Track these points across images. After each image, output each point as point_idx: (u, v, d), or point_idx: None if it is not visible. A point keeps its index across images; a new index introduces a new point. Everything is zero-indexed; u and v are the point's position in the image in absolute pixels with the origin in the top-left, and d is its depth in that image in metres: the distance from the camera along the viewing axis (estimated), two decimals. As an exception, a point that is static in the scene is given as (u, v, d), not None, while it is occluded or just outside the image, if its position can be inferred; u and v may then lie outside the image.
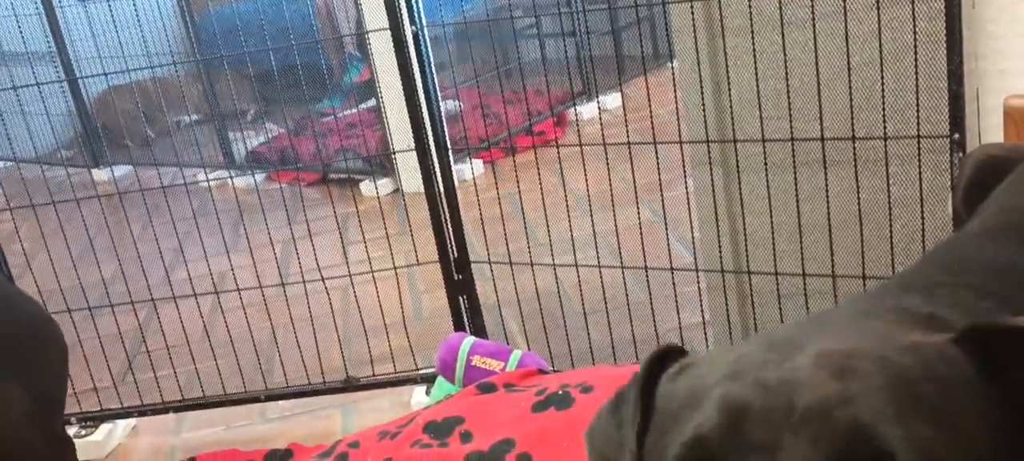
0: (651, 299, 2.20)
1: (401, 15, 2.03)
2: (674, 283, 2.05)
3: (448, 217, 2.18)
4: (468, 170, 3.60)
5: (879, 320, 0.71)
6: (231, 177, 3.85)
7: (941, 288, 0.79)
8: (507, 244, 2.29)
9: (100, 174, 4.52)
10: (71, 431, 2.25)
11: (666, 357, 0.75)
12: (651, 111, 1.95)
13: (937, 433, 0.56)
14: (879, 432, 0.55)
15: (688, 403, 0.65)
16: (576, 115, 3.48)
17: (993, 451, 0.59)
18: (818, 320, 0.75)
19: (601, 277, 2.16)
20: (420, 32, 2.08)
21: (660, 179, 1.99)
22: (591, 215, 2.17)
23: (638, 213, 2.08)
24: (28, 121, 3.22)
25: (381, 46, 3.20)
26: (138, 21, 2.82)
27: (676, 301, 2.09)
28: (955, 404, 0.60)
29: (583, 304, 2.19)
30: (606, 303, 2.14)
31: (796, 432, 0.57)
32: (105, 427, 2.31)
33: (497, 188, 2.44)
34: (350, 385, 2.27)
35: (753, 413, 0.60)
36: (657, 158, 1.93)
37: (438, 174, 2.15)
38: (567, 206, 2.24)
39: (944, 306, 0.76)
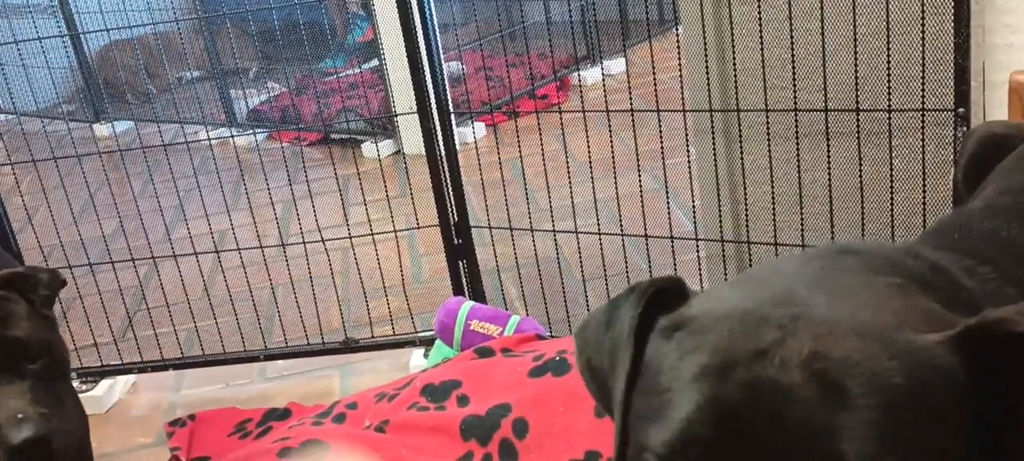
0: (650, 267, 2.19)
1: (404, -24, 2.02)
2: (674, 251, 2.04)
3: (449, 181, 2.17)
4: (470, 133, 3.58)
5: (890, 284, 0.68)
6: (232, 135, 3.84)
7: (961, 258, 0.78)
8: (507, 209, 2.29)
9: (101, 129, 4.51)
10: (71, 386, 2.26)
11: (661, 294, 0.72)
12: (655, 78, 1.94)
13: None
14: None
15: (674, 383, 0.64)
16: (579, 80, 3.45)
17: None
18: (827, 268, 0.71)
19: (600, 244, 2.16)
20: (423, -7, 2.07)
21: (662, 146, 1.98)
22: (592, 181, 2.16)
23: (639, 180, 2.07)
24: (30, 75, 3.20)
25: (385, 6, 3.18)
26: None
27: (675, 269, 2.09)
28: (939, 424, 0.59)
29: (582, 271, 2.19)
30: (605, 270, 2.14)
31: (776, 455, 0.58)
32: (105, 383, 2.32)
33: (498, 152, 2.43)
34: (349, 346, 2.28)
35: (740, 424, 0.59)
36: (660, 126, 1.92)
37: (440, 137, 2.14)
38: (568, 172, 2.24)
39: (965, 275, 0.75)
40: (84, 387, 2.31)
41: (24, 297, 1.44)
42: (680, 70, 1.92)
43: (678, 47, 1.91)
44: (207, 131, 3.19)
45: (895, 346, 0.61)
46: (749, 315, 0.64)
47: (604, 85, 2.04)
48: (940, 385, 0.60)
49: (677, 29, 1.96)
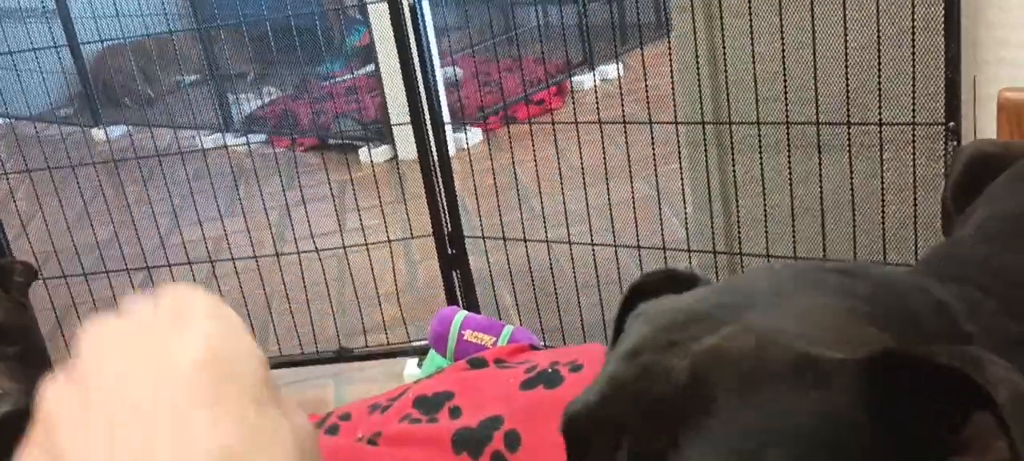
0: (644, 276, 2.19)
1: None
2: (666, 261, 2.05)
3: (442, 191, 2.18)
4: (465, 139, 3.59)
5: (848, 303, 0.66)
6: (226, 145, 3.83)
7: (953, 284, 0.76)
8: (501, 217, 2.29)
9: (98, 134, 4.51)
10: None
11: (651, 285, 0.75)
12: (647, 88, 1.94)
13: None
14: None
15: (606, 365, 0.67)
16: (571, 86, 3.46)
17: None
18: (795, 282, 0.70)
19: (593, 253, 2.16)
20: (417, 2, 2.07)
21: (654, 154, 1.99)
22: (585, 189, 2.17)
23: (632, 189, 2.07)
24: (25, 80, 3.20)
25: (380, 11, 3.18)
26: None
27: (668, 279, 2.09)
28: (781, 443, 0.57)
29: (576, 279, 2.20)
30: (598, 279, 2.14)
31: (633, 429, 0.59)
32: (99, 392, 2.32)
33: (492, 158, 2.43)
34: (343, 355, 2.28)
35: (622, 396, 0.61)
36: (652, 136, 1.93)
37: (433, 148, 2.15)
38: (561, 179, 2.24)
39: (955, 298, 0.73)
40: (78, 396, 2.31)
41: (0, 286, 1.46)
42: (672, 79, 1.92)
43: (671, 53, 1.91)
44: (200, 137, 3.20)
45: (789, 351, 0.59)
46: (690, 311, 0.66)
47: (597, 92, 2.05)
48: (816, 406, 0.57)
49: (671, 35, 1.96)
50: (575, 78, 3.98)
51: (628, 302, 0.75)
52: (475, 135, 3.67)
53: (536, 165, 2.13)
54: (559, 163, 2.30)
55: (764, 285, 0.70)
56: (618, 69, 3.79)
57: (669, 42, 1.97)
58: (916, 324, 0.67)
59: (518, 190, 2.55)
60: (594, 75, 3.95)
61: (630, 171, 2.06)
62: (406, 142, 3.50)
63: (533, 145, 2.14)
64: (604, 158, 2.05)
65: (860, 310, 0.65)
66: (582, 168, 2.12)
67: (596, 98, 2.07)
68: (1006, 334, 0.73)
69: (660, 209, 2.22)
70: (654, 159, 1.98)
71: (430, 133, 2.13)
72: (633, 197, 2.06)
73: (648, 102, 1.92)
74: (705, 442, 0.56)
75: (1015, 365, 0.59)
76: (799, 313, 0.64)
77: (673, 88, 1.91)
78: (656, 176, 2.02)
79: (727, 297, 0.67)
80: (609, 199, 2.10)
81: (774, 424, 0.57)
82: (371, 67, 4.33)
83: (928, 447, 0.59)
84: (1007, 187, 1.07)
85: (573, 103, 2.11)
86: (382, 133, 3.77)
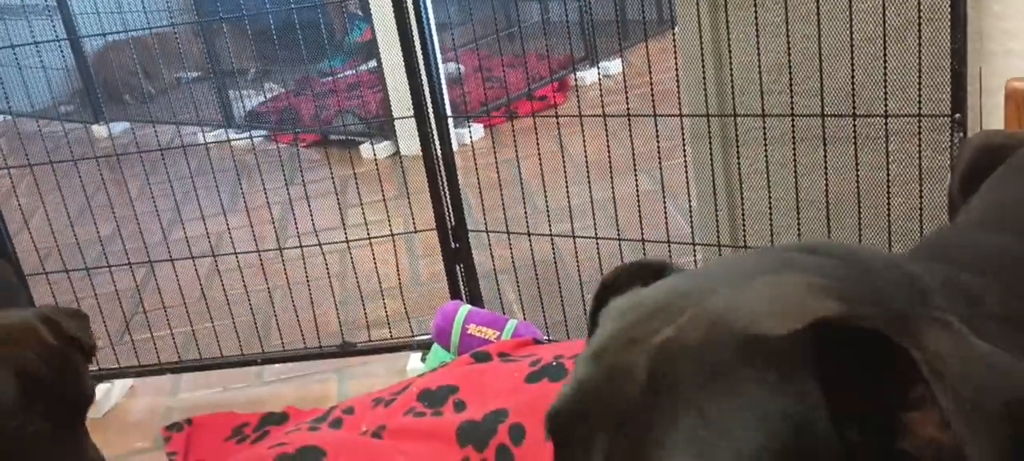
0: (648, 270, 2.19)
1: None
2: (670, 255, 2.04)
3: (446, 186, 2.17)
4: (467, 134, 3.58)
5: (809, 281, 0.67)
6: (229, 139, 3.83)
7: (924, 262, 0.77)
8: (504, 212, 2.29)
9: (99, 130, 4.51)
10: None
11: (624, 278, 0.77)
12: (651, 81, 1.94)
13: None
14: (650, 456, 0.59)
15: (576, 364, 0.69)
16: (575, 81, 3.46)
17: None
18: (762, 263, 0.71)
19: (598, 248, 2.16)
20: (420, -2, 2.06)
21: (659, 149, 1.98)
22: (589, 184, 2.16)
23: (636, 183, 2.07)
24: (27, 76, 3.20)
25: (382, 7, 3.17)
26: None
27: (672, 273, 2.09)
28: (747, 424, 0.58)
29: (580, 273, 2.19)
30: (602, 273, 2.14)
31: (607, 431, 0.61)
32: (102, 387, 2.32)
33: (495, 153, 2.43)
34: (346, 350, 2.27)
35: (595, 399, 0.63)
36: (656, 129, 1.92)
37: (437, 142, 2.14)
38: (565, 174, 2.23)
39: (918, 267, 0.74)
40: (81, 391, 2.30)
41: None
42: (676, 71, 1.91)
43: (675, 48, 1.90)
44: (204, 133, 3.19)
45: (735, 336, 0.61)
46: (653, 304, 0.67)
47: (601, 87, 2.04)
48: (771, 380, 0.59)
49: (675, 29, 1.96)
50: (577, 74, 3.97)
51: (600, 298, 0.77)
52: (477, 131, 3.66)
53: (540, 160, 2.13)
54: (563, 157, 2.29)
55: (728, 269, 0.71)
56: (621, 64, 3.79)
57: (673, 36, 1.96)
58: (878, 297, 0.67)
59: (521, 185, 2.55)
60: (597, 70, 3.94)
61: (634, 164, 2.06)
62: (408, 137, 3.49)
63: (537, 139, 2.13)
64: (608, 152, 2.05)
65: (818, 284, 0.65)
66: (586, 162, 2.11)
67: (600, 92, 2.06)
68: (990, 310, 0.73)
69: (664, 203, 2.22)
70: (659, 152, 1.97)
71: (433, 126, 2.13)
72: (638, 191, 2.05)
73: (653, 95, 1.91)
74: (671, 436, 0.59)
75: (999, 341, 0.61)
76: (756, 293, 0.66)
77: (678, 81, 1.91)
78: (660, 170, 2.02)
79: (689, 284, 0.69)
80: (613, 193, 2.09)
81: (733, 407, 0.59)
82: (373, 63, 4.33)
83: (880, 412, 0.60)
84: (1005, 176, 1.07)
85: (577, 98, 2.10)
86: (384, 129, 3.77)
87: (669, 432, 0.59)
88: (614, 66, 4.18)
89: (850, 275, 0.69)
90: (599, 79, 2.26)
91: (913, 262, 0.75)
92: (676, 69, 1.91)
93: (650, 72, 1.92)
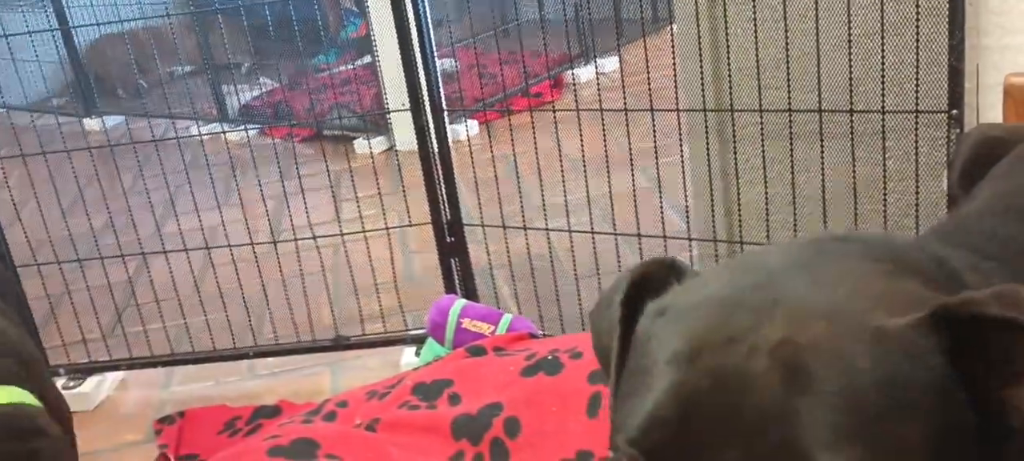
0: (643, 266, 2.18)
1: (398, -28, 2.00)
2: (666, 251, 2.04)
3: (442, 179, 2.16)
4: (463, 130, 3.57)
5: (877, 270, 0.67)
6: (224, 131, 3.82)
7: (957, 250, 0.78)
8: (500, 206, 2.28)
9: (92, 123, 4.48)
10: (59, 383, 2.25)
11: (652, 275, 0.73)
12: (648, 77, 1.94)
13: (872, 455, 0.56)
14: (810, 458, 0.56)
15: (651, 369, 0.64)
16: (573, 78, 3.46)
17: (939, 456, 0.58)
18: (819, 252, 0.70)
19: (594, 243, 2.15)
20: (417, -10, 2.06)
21: (655, 145, 1.98)
22: (586, 180, 2.15)
23: (632, 179, 2.06)
24: (19, 68, 3.18)
25: (378, 2, 3.16)
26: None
27: (668, 269, 2.08)
28: (909, 410, 0.58)
29: (575, 269, 2.19)
30: (598, 269, 2.13)
31: (735, 442, 0.57)
32: (93, 380, 2.31)
33: (492, 149, 2.42)
34: (339, 344, 2.27)
35: (703, 410, 0.59)
36: (653, 125, 1.92)
37: (433, 135, 2.13)
38: (561, 170, 2.23)
39: (959, 261, 0.74)
40: (72, 384, 2.29)
41: None
42: (674, 69, 1.91)
43: (673, 45, 1.90)
44: (198, 127, 3.18)
45: (863, 329, 0.60)
46: (727, 301, 0.65)
47: (598, 83, 2.04)
48: (909, 370, 0.59)
49: (671, 27, 1.95)
50: (573, 71, 3.97)
51: (632, 297, 0.72)
52: (472, 127, 3.65)
53: (537, 155, 2.12)
54: (560, 152, 2.29)
55: (781, 262, 0.69)
56: (619, 60, 3.78)
57: (671, 33, 1.96)
58: (926, 276, 0.67)
59: (518, 180, 2.54)
60: (594, 66, 3.94)
61: (631, 160, 2.05)
62: (404, 132, 3.48)
63: (534, 134, 2.13)
64: (605, 147, 2.04)
65: (893, 270, 0.65)
66: (583, 158, 2.11)
67: (598, 87, 2.06)
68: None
69: (660, 199, 2.21)
70: (655, 148, 1.97)
71: (430, 119, 2.12)
72: (634, 187, 2.05)
73: (650, 89, 1.91)
74: (829, 438, 0.56)
75: None
76: (845, 284, 0.64)
77: (675, 75, 1.90)
78: (657, 166, 2.01)
79: (750, 279, 0.67)
80: (609, 189, 2.09)
81: (886, 401, 0.57)
82: (367, 58, 4.32)
83: (986, 392, 0.60)
84: (1011, 167, 1.07)
85: (575, 94, 2.10)
86: (379, 124, 3.76)
87: (825, 434, 0.56)
88: (609, 63, 4.18)
89: (901, 259, 0.69)
90: (597, 75, 2.25)
91: (934, 243, 0.75)
92: (673, 66, 1.91)
93: (648, 68, 1.92)
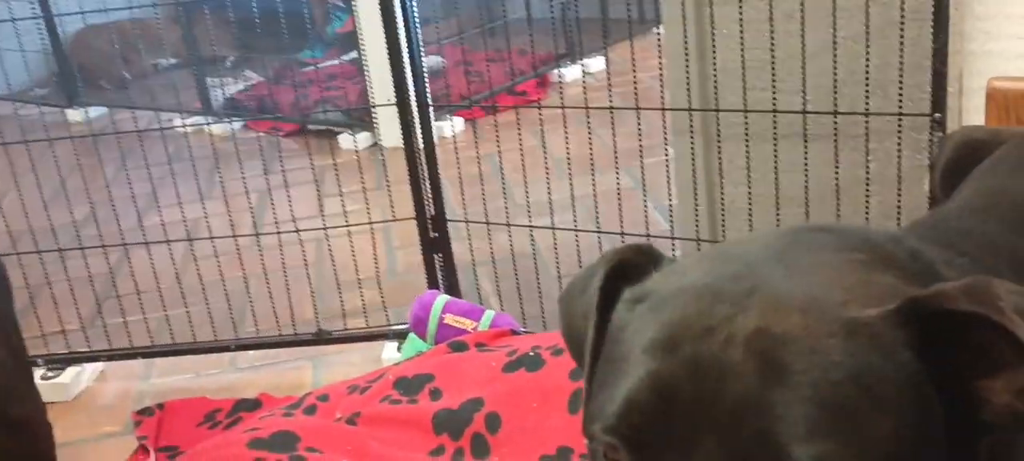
0: (626, 265, 2.19)
1: (385, -34, 2.00)
2: (650, 250, 2.04)
3: (426, 176, 2.16)
4: (448, 127, 3.57)
5: (852, 260, 0.68)
6: (208, 123, 3.80)
7: (933, 247, 0.78)
8: (484, 203, 2.28)
9: (74, 114, 4.45)
10: (37, 373, 2.23)
11: (629, 262, 0.73)
12: (635, 77, 1.94)
13: (845, 448, 0.56)
14: (784, 450, 0.56)
15: (628, 357, 0.64)
16: (559, 77, 3.45)
17: (910, 449, 0.59)
18: (795, 243, 0.71)
19: (577, 241, 2.15)
20: (404, -15, 2.05)
21: (640, 145, 1.98)
22: (570, 179, 2.16)
23: (617, 179, 2.07)
24: (2, 57, 3.15)
25: (365, -3, 3.15)
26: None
27: (651, 268, 2.09)
28: (881, 402, 0.58)
29: (558, 267, 2.19)
30: (580, 267, 2.14)
31: (711, 431, 0.58)
32: (72, 370, 2.29)
33: (476, 146, 2.42)
34: (321, 338, 2.26)
35: (680, 398, 0.60)
36: (639, 124, 1.92)
37: (418, 132, 2.13)
38: (546, 168, 2.23)
39: (936, 254, 0.75)
40: (50, 374, 2.27)
41: None
42: (660, 69, 1.91)
43: (659, 46, 1.90)
44: (182, 119, 3.16)
45: (836, 321, 0.60)
46: (706, 290, 0.65)
47: (584, 83, 2.04)
48: (880, 363, 0.59)
49: (657, 29, 1.96)
50: (559, 70, 3.97)
51: (608, 285, 0.72)
52: (457, 124, 3.65)
53: (522, 153, 2.12)
54: (545, 151, 2.29)
55: (758, 252, 0.70)
56: (605, 60, 3.78)
57: (657, 34, 1.96)
58: (901, 268, 0.68)
59: (503, 177, 2.54)
60: (580, 65, 3.95)
61: (616, 158, 2.06)
62: (389, 128, 3.47)
63: (519, 132, 2.13)
64: (590, 146, 2.04)
65: (869, 261, 0.66)
66: (568, 156, 2.11)
67: (584, 87, 2.06)
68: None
69: (644, 198, 2.22)
70: (640, 148, 1.97)
71: (416, 115, 2.12)
72: (619, 186, 2.05)
73: (636, 89, 1.91)
74: (804, 428, 0.56)
75: None
76: (821, 274, 0.65)
77: (661, 76, 1.91)
78: (642, 166, 2.02)
79: (728, 269, 0.67)
80: (594, 188, 2.09)
81: (858, 392, 0.58)
82: (353, 54, 4.31)
83: (957, 384, 0.61)
84: (992, 168, 1.08)
85: (561, 92, 2.10)
86: (363, 120, 3.75)
87: (799, 428, 0.56)
88: (595, 63, 4.18)
89: (876, 251, 0.69)
90: (583, 74, 2.26)
91: (910, 239, 0.75)
92: (659, 67, 1.91)
93: (634, 67, 1.92)
